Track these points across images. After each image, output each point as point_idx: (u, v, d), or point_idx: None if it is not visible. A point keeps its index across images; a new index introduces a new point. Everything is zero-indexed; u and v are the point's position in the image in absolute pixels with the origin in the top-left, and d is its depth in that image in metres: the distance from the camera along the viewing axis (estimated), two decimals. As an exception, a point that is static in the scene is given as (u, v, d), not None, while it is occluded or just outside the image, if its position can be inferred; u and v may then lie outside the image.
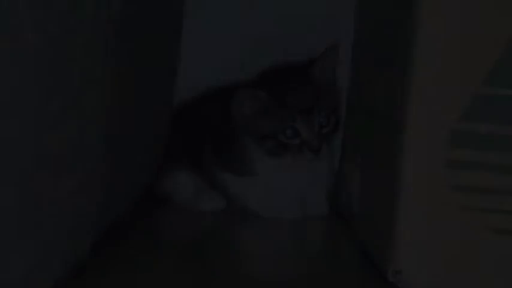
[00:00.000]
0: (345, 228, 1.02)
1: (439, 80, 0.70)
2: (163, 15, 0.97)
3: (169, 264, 0.80)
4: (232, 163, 1.05)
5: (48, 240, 0.53)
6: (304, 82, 1.00)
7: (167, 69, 1.07)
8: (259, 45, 1.18)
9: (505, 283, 0.72)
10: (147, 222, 0.98)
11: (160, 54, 0.99)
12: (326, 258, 0.93)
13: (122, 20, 0.65)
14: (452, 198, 0.71)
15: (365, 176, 0.91)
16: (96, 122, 0.60)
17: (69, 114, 0.53)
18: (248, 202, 1.06)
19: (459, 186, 0.70)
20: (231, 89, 1.00)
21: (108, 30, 0.61)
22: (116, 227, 0.80)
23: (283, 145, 0.99)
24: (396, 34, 0.77)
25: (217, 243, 0.92)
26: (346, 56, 1.13)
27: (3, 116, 0.43)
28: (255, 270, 0.82)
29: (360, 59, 1.04)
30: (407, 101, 0.70)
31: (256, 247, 0.93)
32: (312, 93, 0.99)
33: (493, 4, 0.69)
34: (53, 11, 0.48)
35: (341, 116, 1.05)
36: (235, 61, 1.19)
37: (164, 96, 1.04)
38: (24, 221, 0.48)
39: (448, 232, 0.71)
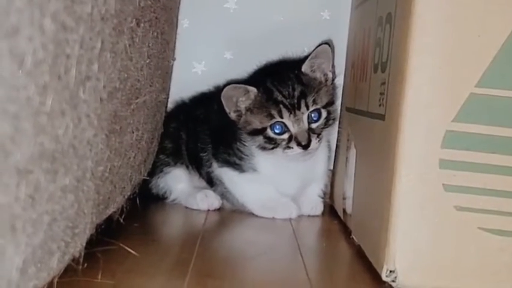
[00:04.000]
0: (339, 226, 1.03)
1: (434, 82, 0.70)
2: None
3: (167, 262, 0.80)
4: (230, 158, 1.06)
5: (44, 236, 0.53)
6: (295, 78, 1.01)
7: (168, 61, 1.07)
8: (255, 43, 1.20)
9: (497, 282, 0.72)
10: (142, 219, 0.99)
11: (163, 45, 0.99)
12: (320, 256, 0.93)
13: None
14: (445, 198, 0.71)
15: (359, 176, 0.92)
16: (95, 117, 0.60)
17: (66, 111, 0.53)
18: (244, 200, 1.07)
19: (452, 187, 0.71)
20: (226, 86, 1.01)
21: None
22: (111, 223, 0.80)
23: (273, 140, 1.00)
24: (390, 36, 0.77)
25: (212, 241, 0.92)
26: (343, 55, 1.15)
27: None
28: (249, 268, 0.82)
29: (355, 60, 1.04)
30: (402, 102, 0.71)
31: (250, 245, 0.93)
32: (302, 89, 1.00)
33: (486, 8, 0.69)
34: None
35: (335, 111, 1.05)
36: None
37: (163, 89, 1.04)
38: (19, 216, 0.48)
39: (441, 231, 0.72)
